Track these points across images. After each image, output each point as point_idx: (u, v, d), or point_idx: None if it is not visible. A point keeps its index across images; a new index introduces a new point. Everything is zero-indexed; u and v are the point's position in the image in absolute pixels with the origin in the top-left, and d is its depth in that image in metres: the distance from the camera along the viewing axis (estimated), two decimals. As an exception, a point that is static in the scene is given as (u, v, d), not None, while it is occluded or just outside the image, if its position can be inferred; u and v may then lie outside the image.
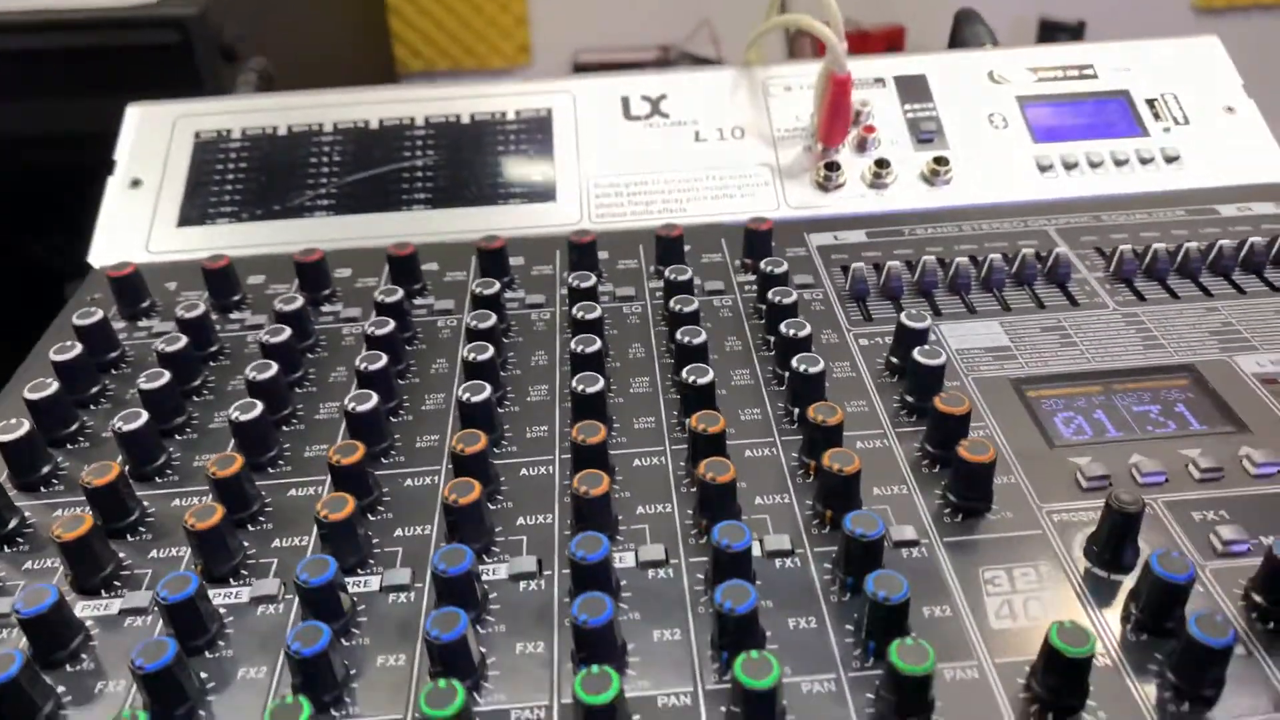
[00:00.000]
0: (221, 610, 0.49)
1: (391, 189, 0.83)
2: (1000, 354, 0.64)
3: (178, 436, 0.61)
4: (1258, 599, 0.47)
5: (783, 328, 0.62)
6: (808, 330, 0.61)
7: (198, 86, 1.17)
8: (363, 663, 0.47)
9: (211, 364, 0.68)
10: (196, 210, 0.82)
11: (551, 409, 0.62)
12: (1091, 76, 0.87)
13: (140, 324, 0.72)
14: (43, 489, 0.58)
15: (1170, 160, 0.82)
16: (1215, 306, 0.68)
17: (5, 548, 0.54)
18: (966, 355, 0.64)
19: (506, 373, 0.65)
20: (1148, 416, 0.59)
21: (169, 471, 0.59)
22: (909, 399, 0.60)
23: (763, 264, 0.69)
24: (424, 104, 0.87)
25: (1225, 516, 0.52)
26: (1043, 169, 0.81)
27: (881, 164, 0.81)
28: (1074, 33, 2.43)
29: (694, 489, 0.53)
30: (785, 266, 0.69)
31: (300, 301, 0.67)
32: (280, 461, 0.59)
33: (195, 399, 0.64)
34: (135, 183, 0.83)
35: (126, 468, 0.57)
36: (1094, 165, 0.81)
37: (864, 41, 2.32)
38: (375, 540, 0.53)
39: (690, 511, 0.54)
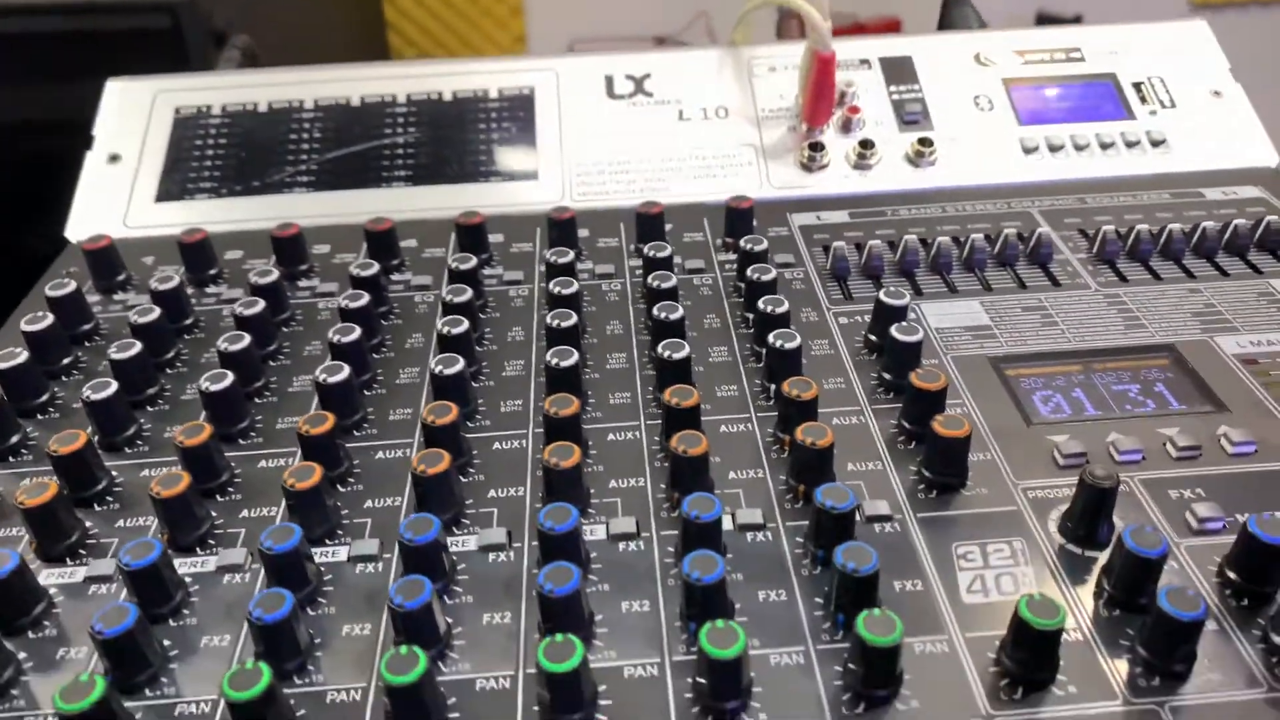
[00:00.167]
0: (187, 579, 0.49)
1: (372, 166, 0.82)
2: (980, 333, 0.64)
3: (149, 408, 0.61)
4: (1232, 575, 0.46)
5: (761, 304, 0.61)
6: (785, 306, 0.61)
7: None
8: (328, 632, 0.46)
9: (186, 337, 0.67)
10: (175, 186, 0.81)
11: (527, 384, 0.61)
12: (1079, 59, 0.86)
13: (115, 297, 0.72)
14: (11, 458, 0.57)
15: (1156, 144, 0.81)
16: (1198, 288, 0.67)
17: (-30, 516, 0.53)
18: (946, 334, 0.64)
19: (483, 348, 0.64)
20: (1127, 396, 0.58)
21: (139, 442, 0.58)
22: (886, 376, 0.59)
23: (743, 241, 0.69)
24: (406, 81, 0.87)
25: (1201, 494, 0.51)
26: (1028, 151, 0.81)
27: (866, 145, 0.81)
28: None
29: (667, 463, 0.53)
30: (765, 244, 0.69)
31: (275, 275, 0.67)
32: (251, 433, 0.58)
33: (169, 371, 0.64)
34: (114, 158, 0.83)
35: (96, 437, 0.57)
36: (1079, 148, 0.81)
37: (859, 34, 2.31)
38: (345, 511, 0.53)
39: (663, 486, 0.53)
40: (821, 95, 0.80)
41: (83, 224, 0.79)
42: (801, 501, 0.52)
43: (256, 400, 0.61)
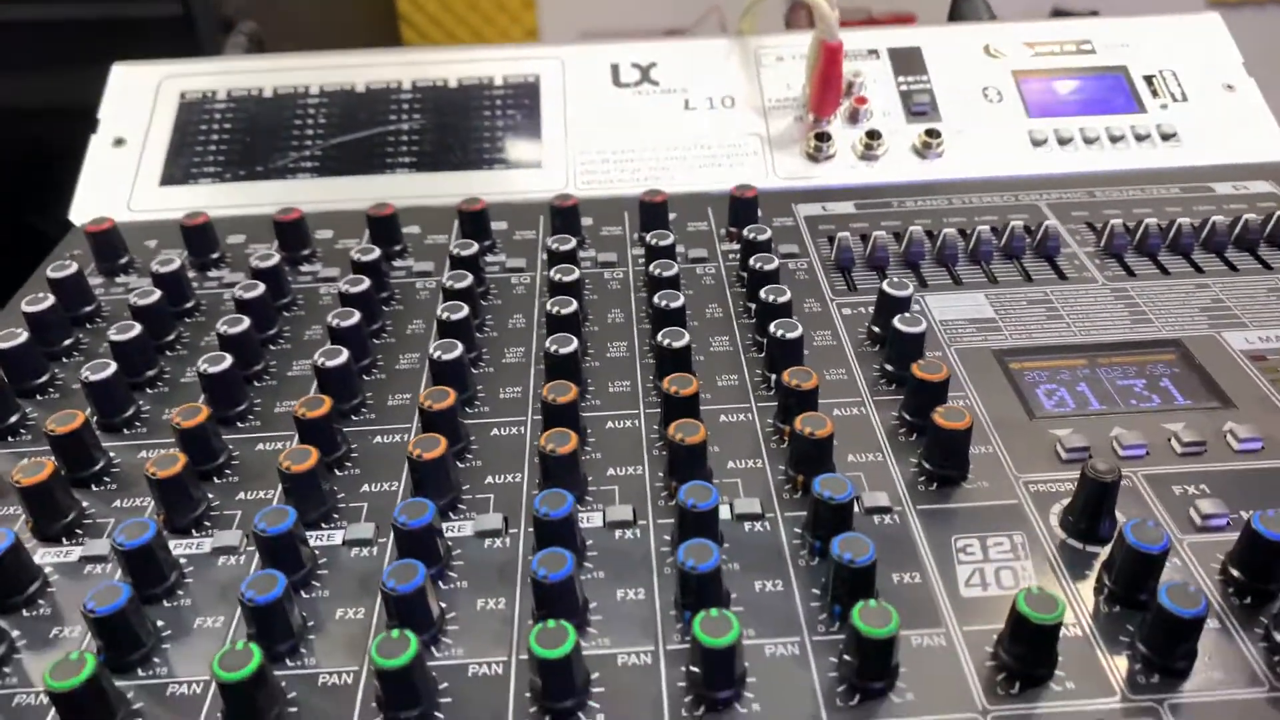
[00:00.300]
0: (182, 560, 0.49)
1: (376, 152, 0.82)
2: (985, 325, 0.63)
3: (149, 390, 0.61)
4: (1235, 573, 0.46)
5: (763, 293, 0.61)
6: (788, 296, 0.61)
7: (199, 60, 1.16)
8: (321, 615, 0.46)
9: (187, 320, 0.67)
10: (180, 170, 0.81)
11: (526, 371, 0.61)
12: (1089, 52, 0.85)
13: (118, 280, 0.71)
14: (9, 438, 0.57)
15: (1167, 137, 0.80)
16: (1206, 283, 0.66)
17: (-32, 495, 0.53)
18: (950, 326, 0.63)
19: (483, 334, 0.64)
20: (1132, 390, 0.58)
21: (138, 424, 0.58)
22: (889, 367, 0.59)
23: (746, 231, 0.68)
24: (411, 68, 0.86)
25: (1206, 491, 0.51)
26: (1036, 144, 0.80)
27: (873, 135, 0.80)
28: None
29: (665, 452, 0.52)
30: (769, 233, 0.68)
31: (277, 259, 0.67)
32: (250, 416, 0.58)
33: (169, 353, 0.64)
34: (119, 141, 0.83)
35: (94, 418, 0.57)
36: (1089, 141, 0.80)
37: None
38: (341, 495, 0.52)
39: (661, 474, 0.53)
40: (829, 85, 0.79)
41: (87, 207, 0.79)
42: (800, 492, 0.51)
43: (255, 383, 0.61)
